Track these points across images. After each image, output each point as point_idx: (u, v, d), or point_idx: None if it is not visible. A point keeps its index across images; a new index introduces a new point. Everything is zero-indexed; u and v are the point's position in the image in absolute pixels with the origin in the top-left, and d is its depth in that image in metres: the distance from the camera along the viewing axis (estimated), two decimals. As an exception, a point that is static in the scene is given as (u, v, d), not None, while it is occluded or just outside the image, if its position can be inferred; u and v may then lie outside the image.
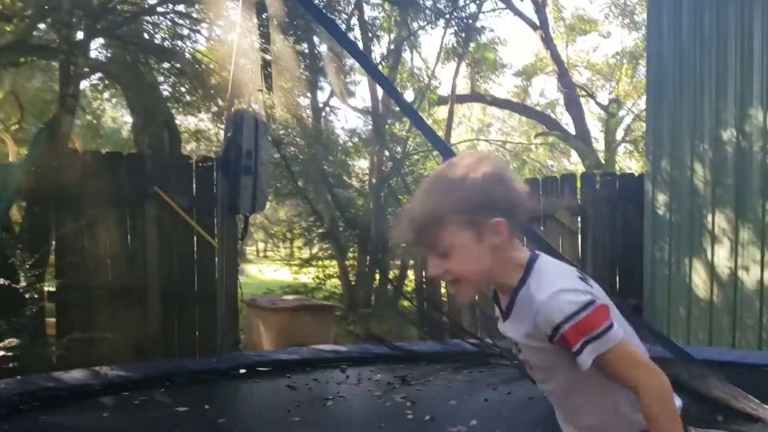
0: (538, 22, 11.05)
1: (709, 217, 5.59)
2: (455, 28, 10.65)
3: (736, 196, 5.40)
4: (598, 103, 16.04)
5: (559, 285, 1.47)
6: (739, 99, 5.38)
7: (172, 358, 5.58)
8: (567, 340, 1.45)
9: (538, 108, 16.77)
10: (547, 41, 10.93)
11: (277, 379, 3.77)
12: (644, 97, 7.89)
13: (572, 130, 13.13)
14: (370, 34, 10.76)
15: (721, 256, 5.49)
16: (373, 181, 10.79)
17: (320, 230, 10.93)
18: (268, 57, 6.67)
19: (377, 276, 10.57)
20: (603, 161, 12.94)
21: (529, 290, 1.54)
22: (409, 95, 12.65)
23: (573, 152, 15.76)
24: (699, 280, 5.65)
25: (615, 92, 16.29)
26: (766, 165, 5.23)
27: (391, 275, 10.61)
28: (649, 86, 6.33)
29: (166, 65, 8.78)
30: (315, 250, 12.20)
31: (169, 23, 8.53)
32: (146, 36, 8.46)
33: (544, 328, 1.49)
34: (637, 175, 7.35)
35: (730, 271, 5.44)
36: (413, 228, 1.47)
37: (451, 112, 12.53)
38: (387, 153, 11.07)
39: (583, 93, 13.62)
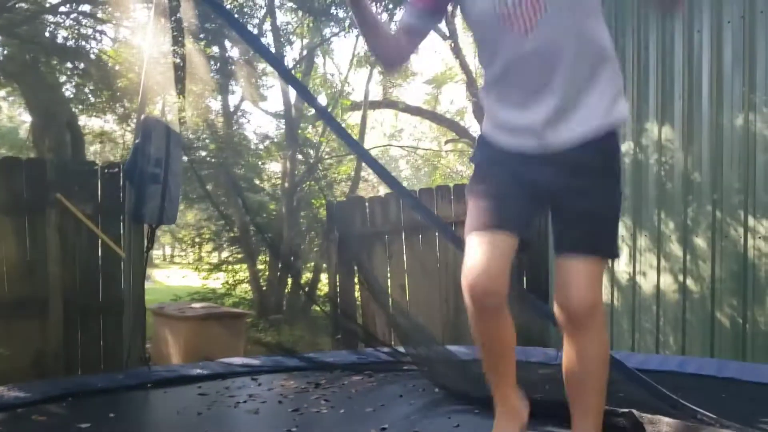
0: (447, 33, 11.27)
1: (610, 225, 5.84)
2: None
3: (633, 205, 5.67)
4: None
5: None
6: (636, 114, 5.65)
7: (74, 373, 5.37)
8: None
9: (448, 115, 17.09)
10: (456, 51, 11.16)
11: (187, 388, 3.70)
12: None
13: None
14: (282, 40, 10.70)
15: (621, 262, 5.74)
16: (286, 185, 10.71)
17: (230, 234, 10.77)
18: (178, 60, 6.54)
19: (289, 281, 10.50)
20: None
21: None
22: (322, 100, 12.65)
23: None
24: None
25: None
26: (661, 176, 5.51)
27: (303, 280, 10.57)
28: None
29: (69, 65, 8.46)
30: (225, 254, 12.00)
31: (73, 23, 8.22)
32: (47, 35, 8.12)
33: None
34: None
35: (629, 277, 5.71)
36: None
37: (363, 118, 12.62)
38: (300, 157, 11.03)
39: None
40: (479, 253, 1.88)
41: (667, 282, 5.46)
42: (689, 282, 5.36)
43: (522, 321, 2.24)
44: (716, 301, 5.19)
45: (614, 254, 2.04)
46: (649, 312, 5.57)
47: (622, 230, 5.70)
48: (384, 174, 3.79)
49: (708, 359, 4.70)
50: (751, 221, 5.04)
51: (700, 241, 5.29)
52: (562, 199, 1.95)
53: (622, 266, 5.72)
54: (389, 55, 2.09)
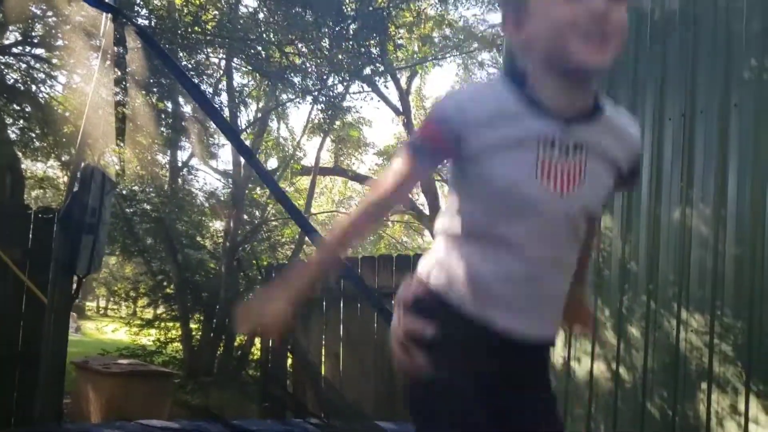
0: (401, 108, 11.51)
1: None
2: (322, 105, 10.84)
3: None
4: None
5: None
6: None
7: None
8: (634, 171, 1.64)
9: (396, 187, 17.29)
10: (408, 126, 11.38)
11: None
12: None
13: (427, 211, 13.61)
14: (237, 101, 10.72)
15: (557, 346, 5.75)
16: (227, 244, 10.55)
17: (166, 291, 10.49)
18: (126, 111, 6.47)
19: (222, 343, 10.21)
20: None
21: (617, 114, 1.58)
22: (273, 163, 12.68)
23: (426, 232, 16.29)
24: (535, 368, 5.88)
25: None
26: (599, 263, 5.58)
27: (236, 343, 10.30)
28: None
29: (16, 107, 8.29)
30: (160, 310, 11.67)
31: (24, 66, 8.10)
32: (-4, 74, 7.98)
33: (632, 158, 1.62)
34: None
35: (564, 361, 5.71)
36: None
37: (313, 183, 12.68)
38: (245, 217, 10.93)
39: (439, 178, 14.27)
40: None
41: (600, 369, 5.47)
42: (622, 370, 5.38)
43: None
44: (647, 392, 5.21)
45: None
46: (582, 398, 5.56)
47: (559, 314, 5.74)
48: (293, 211, 3.75)
49: (637, 450, 4.68)
50: (684, 314, 5.12)
51: (634, 330, 5.34)
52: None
53: (558, 351, 5.73)
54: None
